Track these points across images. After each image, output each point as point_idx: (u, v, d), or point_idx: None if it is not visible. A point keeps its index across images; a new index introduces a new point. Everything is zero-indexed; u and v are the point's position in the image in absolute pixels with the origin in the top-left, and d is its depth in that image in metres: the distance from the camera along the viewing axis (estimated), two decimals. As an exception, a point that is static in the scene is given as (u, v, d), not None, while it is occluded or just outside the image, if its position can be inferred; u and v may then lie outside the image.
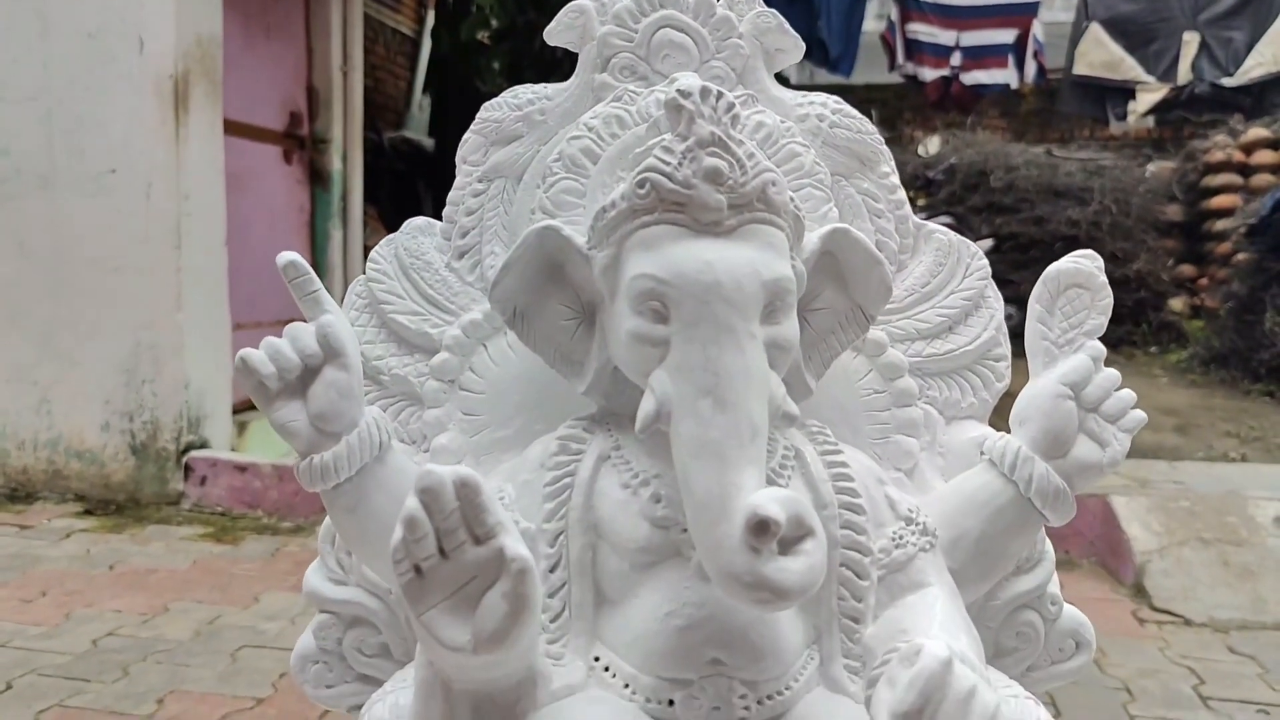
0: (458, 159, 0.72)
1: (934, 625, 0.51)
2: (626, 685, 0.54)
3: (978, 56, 4.84)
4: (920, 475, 0.65)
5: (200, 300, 3.99)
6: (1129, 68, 4.46)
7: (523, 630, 0.49)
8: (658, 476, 0.57)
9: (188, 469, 3.91)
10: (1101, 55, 4.46)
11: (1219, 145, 9.71)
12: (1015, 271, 8.92)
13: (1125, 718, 2.27)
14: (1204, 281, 9.41)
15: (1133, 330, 8.68)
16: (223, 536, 3.58)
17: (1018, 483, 0.65)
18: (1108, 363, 0.71)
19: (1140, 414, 0.67)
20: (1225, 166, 9.63)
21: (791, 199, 0.59)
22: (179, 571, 3.19)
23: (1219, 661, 2.62)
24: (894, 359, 0.68)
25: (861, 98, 12.12)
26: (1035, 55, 4.78)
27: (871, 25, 5.87)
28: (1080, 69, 4.63)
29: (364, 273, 3.20)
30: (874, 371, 0.67)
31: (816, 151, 0.67)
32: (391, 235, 0.72)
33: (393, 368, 0.64)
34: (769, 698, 0.55)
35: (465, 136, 0.71)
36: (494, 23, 5.61)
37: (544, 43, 3.46)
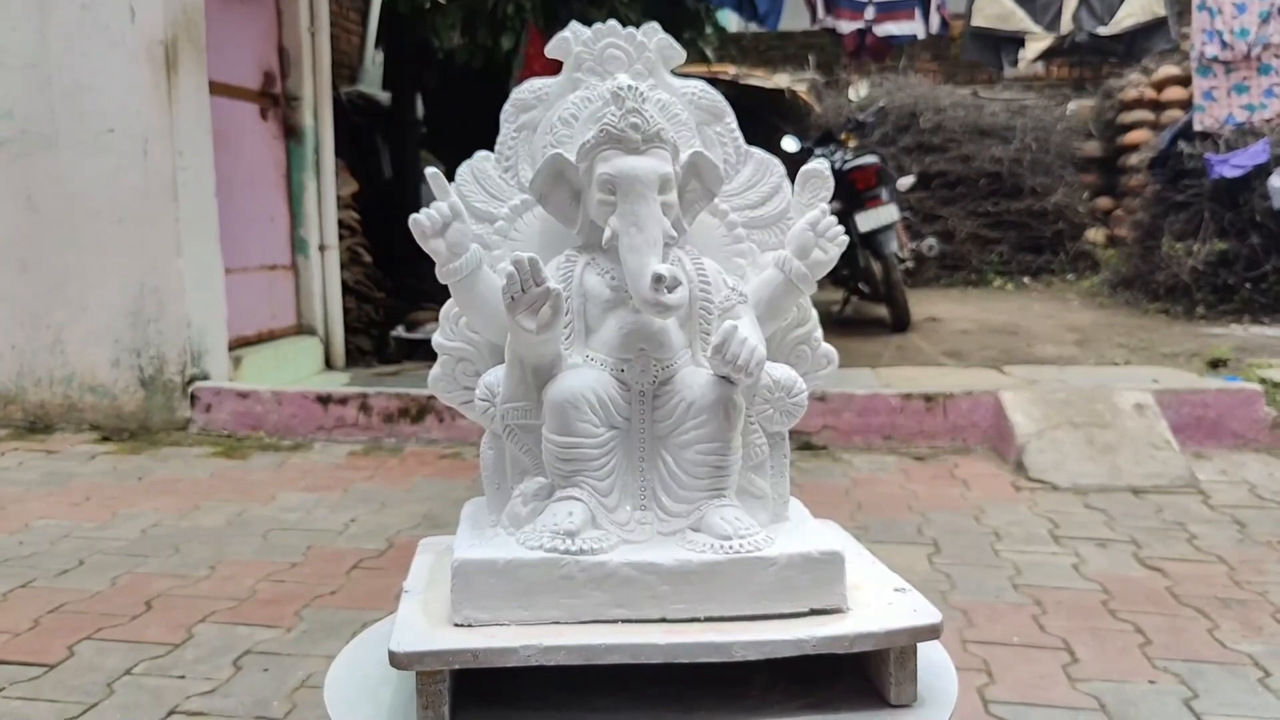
0: (501, 119, 1.28)
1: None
2: (601, 364, 1.12)
3: (889, 10, 5.38)
4: (747, 278, 1.22)
5: (197, 247, 4.42)
6: (1019, 20, 5.00)
7: (557, 323, 1.07)
8: (612, 267, 1.14)
9: (193, 398, 4.36)
10: (995, 9, 5.02)
11: (1133, 84, 10.36)
12: (944, 207, 9.58)
13: (992, 552, 2.85)
14: (1119, 213, 10.10)
15: (1051, 259, 9.36)
16: (232, 454, 4.05)
17: (785, 271, 1.24)
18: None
19: (845, 237, 1.22)
20: (1139, 104, 10.30)
21: (673, 137, 1.19)
22: (201, 480, 3.67)
23: (1074, 514, 3.22)
24: (733, 218, 1.29)
25: (800, 44, 12.51)
26: (939, 9, 5.33)
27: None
28: (977, 21, 5.18)
29: (339, 218, 3.79)
30: (722, 225, 1.26)
31: (689, 113, 1.26)
32: (468, 160, 1.27)
33: (472, 229, 1.19)
34: (666, 367, 1.13)
35: (505, 106, 1.29)
36: (449, -17, 5.97)
37: (497, 1, 4.08)
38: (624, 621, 1.04)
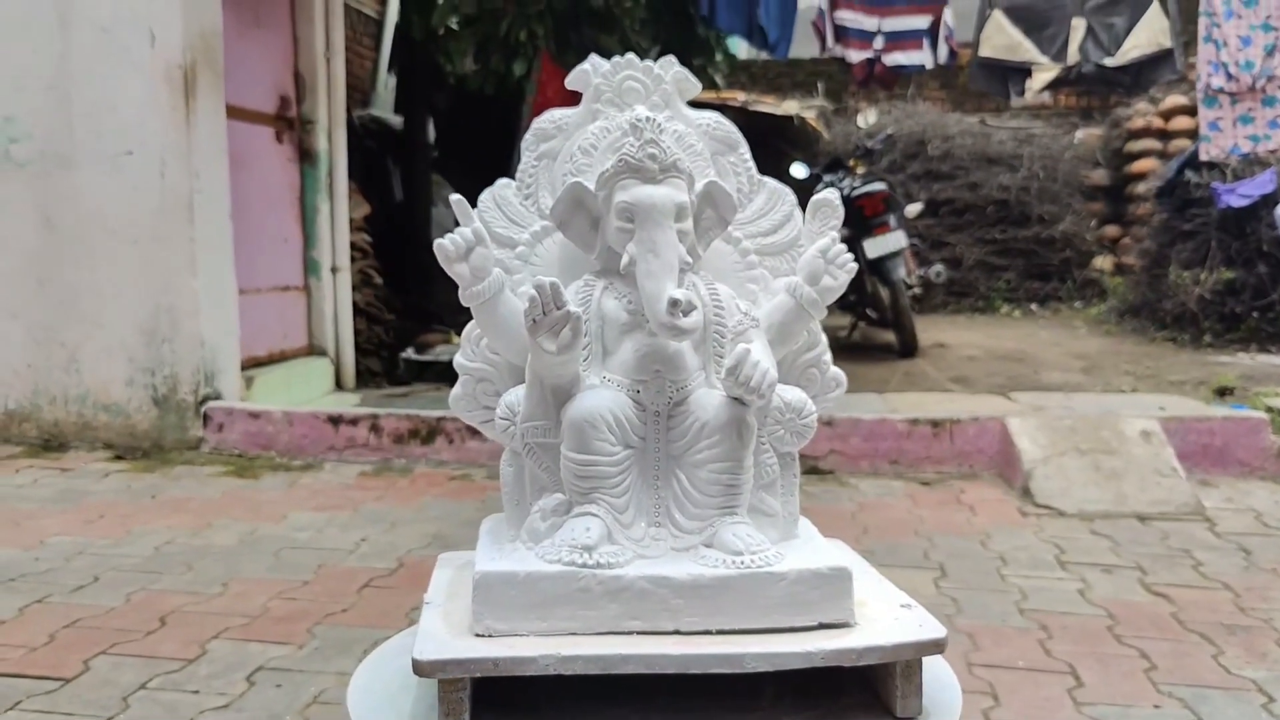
0: (522, 148, 1.32)
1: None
2: (618, 385, 1.17)
3: (897, 40, 5.46)
4: (759, 303, 1.27)
5: (211, 268, 4.47)
6: (1026, 50, 5.09)
7: (577, 345, 1.12)
8: (630, 292, 1.18)
9: (206, 417, 4.40)
10: (1003, 39, 5.10)
11: (1140, 113, 10.42)
12: (951, 234, 9.63)
13: (998, 577, 2.87)
14: (1126, 241, 10.13)
15: (1058, 287, 9.40)
16: (243, 473, 4.09)
17: (796, 297, 1.29)
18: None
19: (854, 265, 1.25)
20: (1146, 133, 10.35)
21: (689, 167, 1.24)
22: (213, 499, 3.70)
23: (1080, 539, 3.23)
24: (746, 245, 1.34)
25: (809, 71, 12.62)
26: (946, 39, 5.40)
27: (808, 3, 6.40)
28: (985, 51, 5.25)
29: (351, 240, 3.87)
30: (735, 252, 1.31)
31: (704, 143, 1.30)
32: (489, 188, 1.32)
33: (494, 254, 1.23)
34: (681, 388, 1.17)
35: (526, 135, 1.33)
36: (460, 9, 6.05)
37: (509, 28, 4.17)
38: (639, 633, 1.07)
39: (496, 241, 1.26)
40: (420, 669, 1.00)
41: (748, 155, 1.32)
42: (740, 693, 1.10)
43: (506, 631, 1.06)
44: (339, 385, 5.53)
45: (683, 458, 1.16)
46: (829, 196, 1.28)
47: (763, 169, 1.38)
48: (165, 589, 2.76)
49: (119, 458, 4.31)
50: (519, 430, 1.19)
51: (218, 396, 4.49)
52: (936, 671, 1.14)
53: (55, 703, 2.07)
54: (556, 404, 1.16)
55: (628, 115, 1.22)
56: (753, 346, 1.12)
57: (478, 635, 1.06)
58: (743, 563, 1.09)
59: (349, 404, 4.96)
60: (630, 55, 1.30)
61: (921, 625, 1.10)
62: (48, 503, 3.63)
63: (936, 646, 1.07)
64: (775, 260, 1.30)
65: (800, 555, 1.14)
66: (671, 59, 1.29)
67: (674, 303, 1.08)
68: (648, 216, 1.15)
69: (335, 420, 4.33)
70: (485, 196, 1.30)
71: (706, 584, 1.07)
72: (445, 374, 1.29)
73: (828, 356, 1.30)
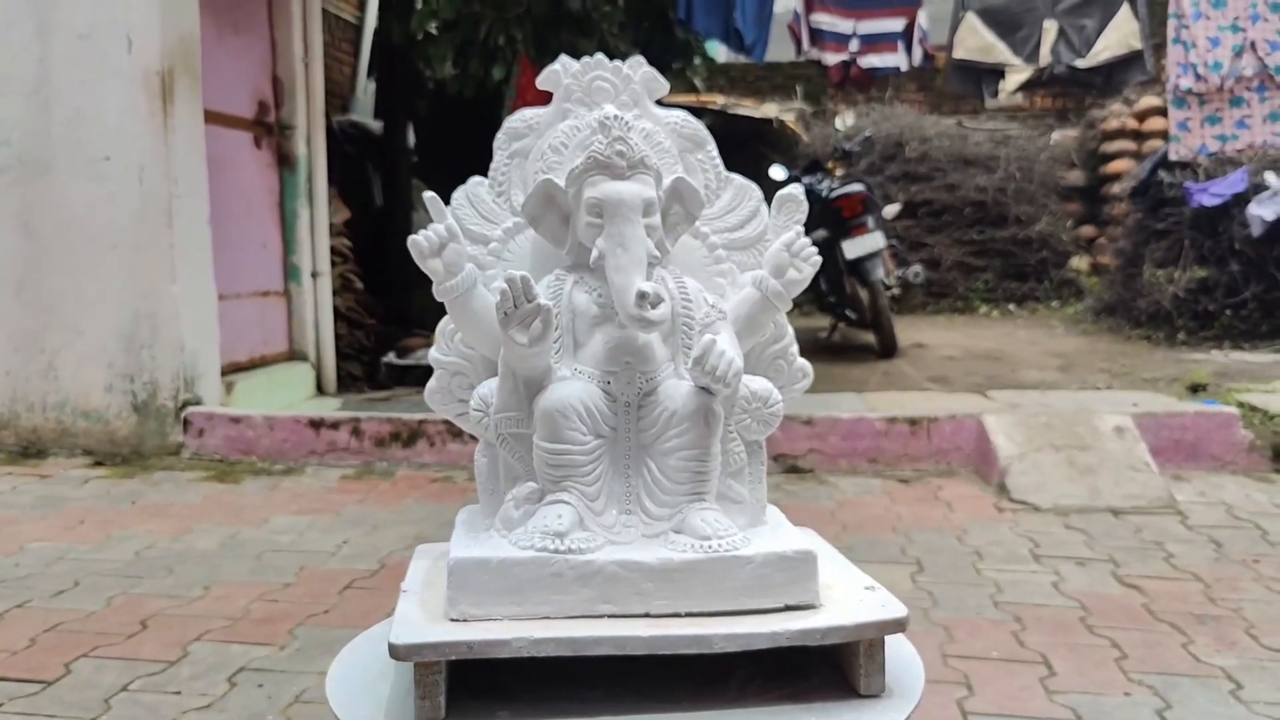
0: (495, 146, 1.35)
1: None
2: (588, 376, 1.19)
3: (872, 43, 5.53)
4: (727, 296, 1.30)
5: (190, 273, 4.47)
6: (1000, 52, 5.17)
7: (547, 337, 1.14)
8: (599, 286, 1.21)
9: (186, 422, 4.40)
10: (976, 41, 5.18)
11: (1115, 114, 10.54)
12: (929, 235, 9.70)
13: (973, 571, 2.91)
14: (1102, 241, 10.24)
15: (1035, 286, 9.49)
16: (224, 478, 4.09)
17: (762, 290, 1.32)
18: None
19: (818, 258, 1.29)
20: (1121, 134, 10.47)
21: (656, 163, 1.27)
22: (193, 504, 3.70)
23: (1055, 534, 3.28)
24: (713, 240, 1.38)
25: (788, 74, 12.67)
26: (921, 42, 5.48)
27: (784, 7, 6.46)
28: (959, 53, 5.34)
29: (332, 245, 3.90)
30: (703, 247, 1.34)
31: (672, 141, 1.34)
32: (462, 186, 1.34)
33: (467, 250, 1.26)
34: (650, 379, 1.20)
35: (498, 134, 1.37)
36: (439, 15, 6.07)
37: (488, 32, 4.19)
38: (610, 616, 1.10)
39: (470, 238, 1.29)
40: (396, 653, 1.03)
41: (715, 152, 1.35)
42: (710, 675, 1.13)
43: (481, 616, 1.09)
44: (320, 390, 5.53)
45: (652, 446, 1.19)
46: (793, 192, 1.32)
47: (742, 171, 1.41)
48: (146, 593, 2.76)
49: (98, 464, 4.30)
50: (492, 421, 1.22)
51: (198, 402, 4.49)
52: (900, 652, 1.18)
53: (37, 705, 2.08)
54: (529, 395, 1.19)
55: (596, 114, 1.25)
56: (719, 337, 1.15)
57: (453, 620, 1.09)
58: (711, 547, 1.12)
59: (330, 408, 4.97)
60: (600, 55, 1.33)
61: (884, 606, 1.13)
62: (27, 509, 3.62)
63: (898, 625, 1.10)
64: (742, 254, 1.33)
65: (767, 540, 1.17)
66: (640, 59, 1.32)
67: (642, 295, 1.11)
68: (616, 212, 1.18)
69: (316, 424, 4.34)
70: (459, 194, 1.33)
71: (676, 568, 1.10)
72: (426, 378, 1.32)
73: (794, 349, 1.33)
